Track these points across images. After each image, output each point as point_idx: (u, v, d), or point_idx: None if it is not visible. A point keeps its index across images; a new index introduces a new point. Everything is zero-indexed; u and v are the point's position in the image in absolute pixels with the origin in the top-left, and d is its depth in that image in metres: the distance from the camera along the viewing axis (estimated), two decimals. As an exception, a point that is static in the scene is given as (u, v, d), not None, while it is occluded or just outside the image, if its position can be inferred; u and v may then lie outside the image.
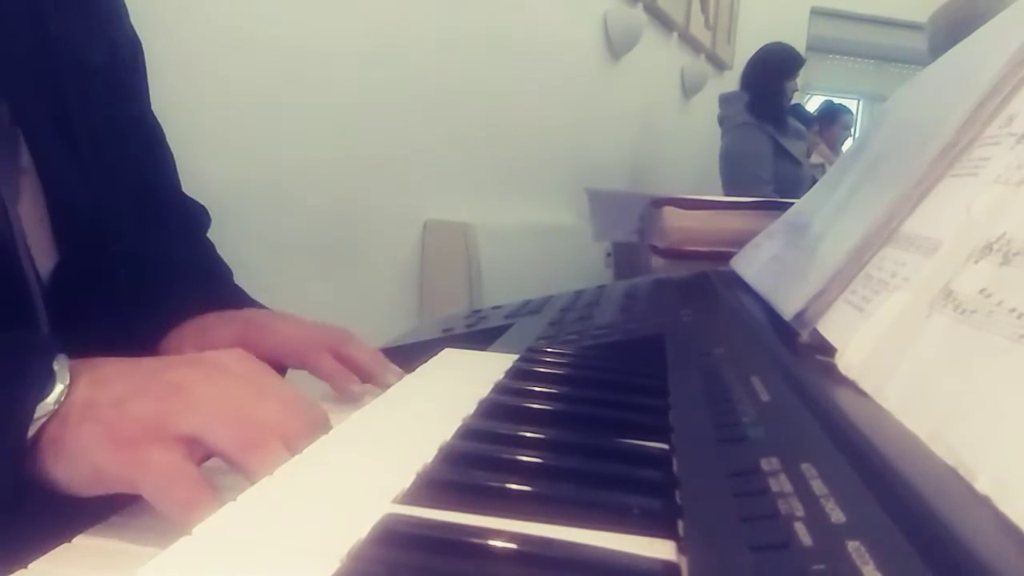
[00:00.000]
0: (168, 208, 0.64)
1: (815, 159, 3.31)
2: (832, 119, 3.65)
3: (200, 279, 0.62)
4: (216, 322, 0.55)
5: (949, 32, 0.48)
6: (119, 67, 0.58)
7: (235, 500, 0.29)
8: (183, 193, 0.67)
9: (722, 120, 2.97)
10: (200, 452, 0.34)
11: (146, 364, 0.37)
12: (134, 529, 0.31)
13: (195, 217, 0.68)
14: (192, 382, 0.35)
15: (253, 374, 0.37)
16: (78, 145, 0.51)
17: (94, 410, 0.34)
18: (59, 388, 0.35)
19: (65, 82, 0.50)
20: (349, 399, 0.50)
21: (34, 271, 0.47)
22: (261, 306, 0.62)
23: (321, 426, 0.37)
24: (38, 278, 0.47)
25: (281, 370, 0.56)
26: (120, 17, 0.60)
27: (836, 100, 3.97)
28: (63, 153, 0.50)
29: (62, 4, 0.51)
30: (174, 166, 0.66)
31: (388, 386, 0.50)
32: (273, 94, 1.19)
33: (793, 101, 3.19)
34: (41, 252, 0.48)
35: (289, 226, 1.24)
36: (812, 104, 4.32)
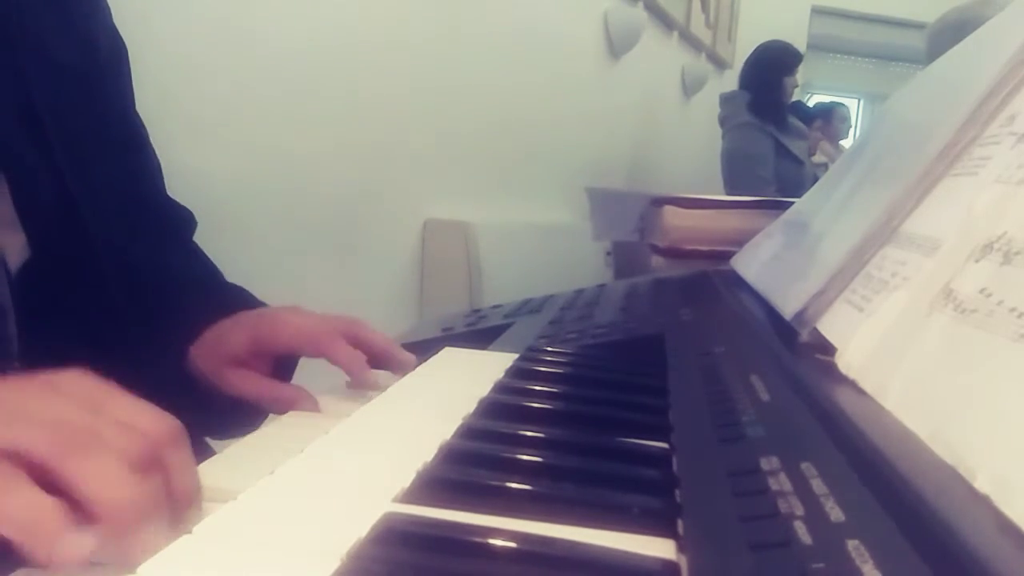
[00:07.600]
0: (153, 212, 0.62)
1: (818, 158, 3.30)
2: (828, 116, 3.65)
3: (206, 288, 0.61)
4: (229, 327, 0.55)
5: (952, 38, 0.48)
6: (97, 67, 0.56)
7: (235, 500, 0.29)
8: (168, 197, 0.65)
9: (723, 120, 2.96)
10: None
11: None
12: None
13: (182, 221, 0.66)
14: (13, 398, 0.30)
15: (88, 392, 0.32)
16: (47, 141, 0.49)
17: None
18: None
19: (33, 78, 0.49)
20: (365, 386, 0.50)
21: (3, 265, 0.45)
22: (260, 302, 0.62)
23: (163, 450, 0.30)
24: (7, 272, 0.45)
25: (291, 365, 0.56)
26: (99, 17, 0.58)
27: (832, 99, 3.99)
28: (29, 148, 0.48)
29: (31, 1, 0.50)
30: (159, 169, 0.64)
31: (404, 370, 0.52)
32: (273, 93, 1.19)
33: (794, 99, 3.19)
34: (12, 250, 0.47)
35: (289, 225, 1.24)
36: (812, 104, 4.32)
